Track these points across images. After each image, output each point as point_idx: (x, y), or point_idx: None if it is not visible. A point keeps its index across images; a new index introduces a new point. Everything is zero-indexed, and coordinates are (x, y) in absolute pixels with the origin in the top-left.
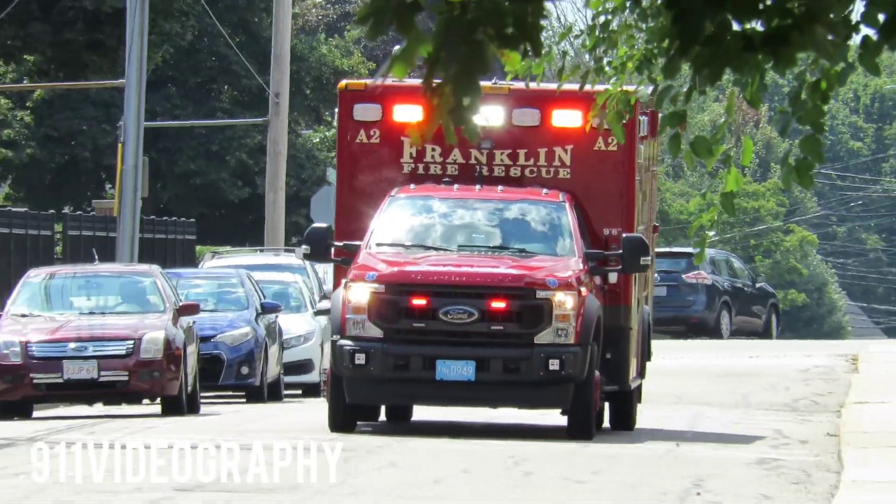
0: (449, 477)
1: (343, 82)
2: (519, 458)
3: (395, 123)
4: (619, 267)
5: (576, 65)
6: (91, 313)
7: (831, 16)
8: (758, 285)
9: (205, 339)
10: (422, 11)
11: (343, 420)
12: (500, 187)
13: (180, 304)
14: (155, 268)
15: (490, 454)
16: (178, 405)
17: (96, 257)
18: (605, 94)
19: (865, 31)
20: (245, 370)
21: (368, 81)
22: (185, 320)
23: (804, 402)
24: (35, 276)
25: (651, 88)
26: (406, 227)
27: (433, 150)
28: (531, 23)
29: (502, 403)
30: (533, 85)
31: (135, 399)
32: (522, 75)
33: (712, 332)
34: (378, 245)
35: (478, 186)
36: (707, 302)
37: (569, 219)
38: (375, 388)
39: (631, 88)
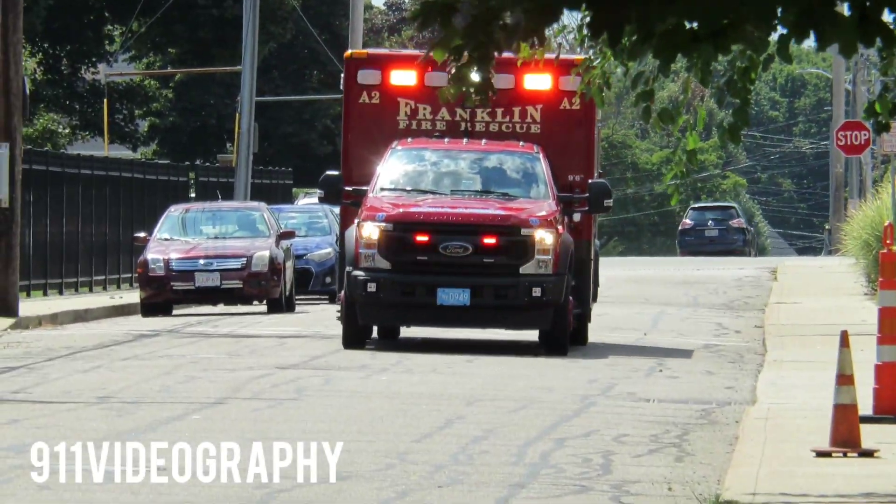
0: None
1: (349, 51)
2: (508, 363)
3: (392, 86)
4: (585, 208)
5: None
6: (215, 238)
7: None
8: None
9: (298, 257)
10: (457, 12)
11: (354, 338)
12: (483, 141)
13: (281, 230)
14: (262, 204)
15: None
16: (279, 305)
17: (219, 197)
18: (590, 74)
19: (781, 29)
20: (328, 280)
21: (370, 50)
22: (284, 243)
23: (738, 303)
24: (175, 211)
25: (624, 70)
26: (406, 175)
27: (424, 108)
28: (538, 22)
29: (493, 325)
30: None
31: (247, 301)
32: (529, 60)
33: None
34: (382, 190)
35: (465, 140)
36: (743, 239)
37: (543, 167)
38: (384, 311)
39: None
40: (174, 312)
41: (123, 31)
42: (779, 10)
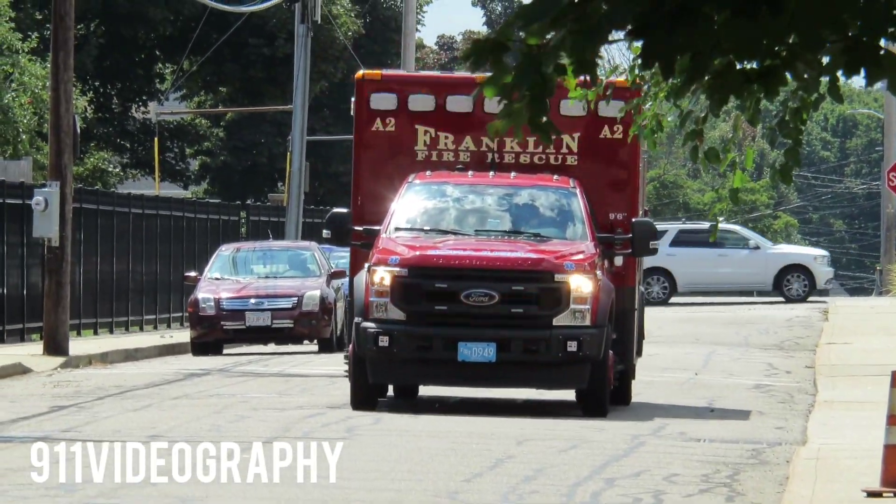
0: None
1: (360, 72)
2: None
3: (410, 112)
4: (629, 251)
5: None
6: (266, 277)
7: (808, 57)
8: None
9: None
10: (508, 51)
11: (364, 399)
12: (512, 173)
13: (332, 270)
14: (313, 244)
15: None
16: (330, 345)
17: (270, 236)
18: (642, 115)
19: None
20: None
21: (384, 71)
22: (336, 282)
23: (788, 343)
24: (226, 250)
25: (678, 113)
26: (424, 212)
27: (446, 137)
28: (589, 61)
29: (522, 384)
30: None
31: (298, 340)
32: (581, 100)
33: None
34: (397, 230)
35: (491, 173)
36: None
37: (580, 204)
38: (398, 368)
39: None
40: (225, 352)
41: (174, 70)
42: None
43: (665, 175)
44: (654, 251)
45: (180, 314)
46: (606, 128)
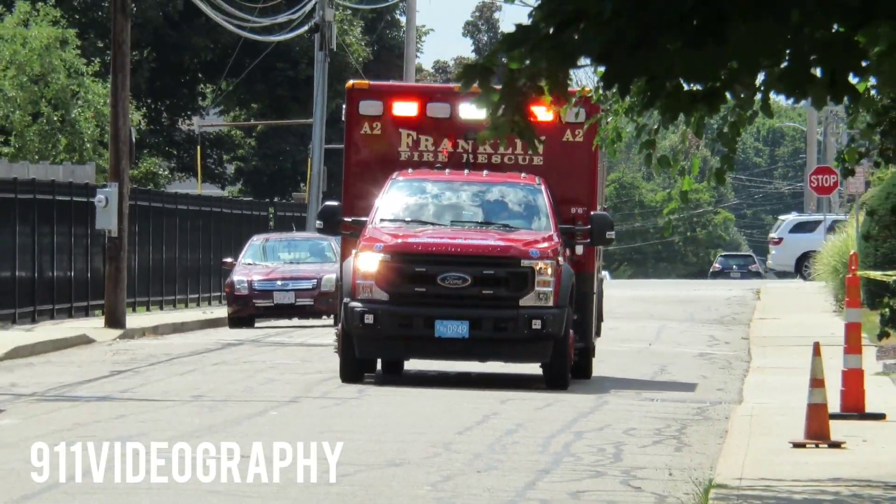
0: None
1: (350, 82)
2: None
3: (394, 117)
4: (588, 240)
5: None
6: (290, 263)
7: (746, 80)
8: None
9: None
10: (494, 75)
11: (352, 372)
12: (484, 172)
13: None
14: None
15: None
16: None
17: (294, 228)
18: (604, 129)
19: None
20: None
21: (372, 82)
22: None
23: (727, 318)
24: (256, 240)
25: (634, 126)
26: (406, 206)
27: (427, 139)
28: (562, 82)
29: (492, 357)
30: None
31: (317, 316)
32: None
33: None
34: (382, 221)
35: (466, 171)
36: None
37: (544, 199)
38: (382, 344)
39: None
40: (256, 325)
41: (214, 89)
42: (762, 74)
43: (623, 177)
44: (611, 241)
45: (219, 294)
46: (569, 132)
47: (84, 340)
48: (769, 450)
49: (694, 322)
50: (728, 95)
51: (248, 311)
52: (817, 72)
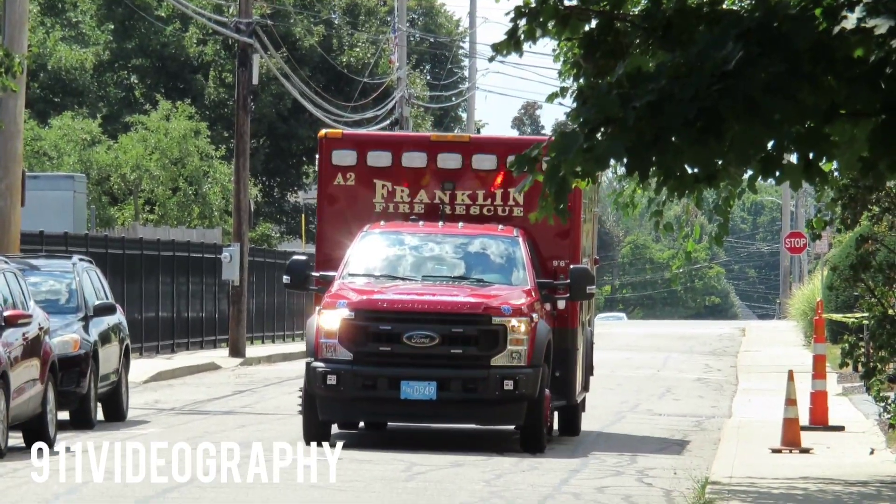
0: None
1: (323, 131)
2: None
3: (369, 167)
4: (567, 295)
5: None
6: None
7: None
8: None
9: None
10: (540, 162)
11: (315, 434)
12: (460, 224)
13: None
14: None
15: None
16: None
17: None
18: (620, 195)
19: (749, 172)
20: None
21: (346, 131)
22: None
23: (719, 350)
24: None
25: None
26: (376, 259)
27: (402, 191)
28: (595, 175)
29: (462, 420)
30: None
31: None
32: (511, 140)
33: None
34: (350, 275)
35: (441, 223)
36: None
37: (522, 252)
38: (345, 406)
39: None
40: None
41: (315, 170)
42: (752, 155)
43: (637, 239)
44: (591, 295)
45: None
46: None
47: (212, 367)
48: (753, 454)
49: (692, 353)
50: (724, 179)
51: None
52: (793, 158)
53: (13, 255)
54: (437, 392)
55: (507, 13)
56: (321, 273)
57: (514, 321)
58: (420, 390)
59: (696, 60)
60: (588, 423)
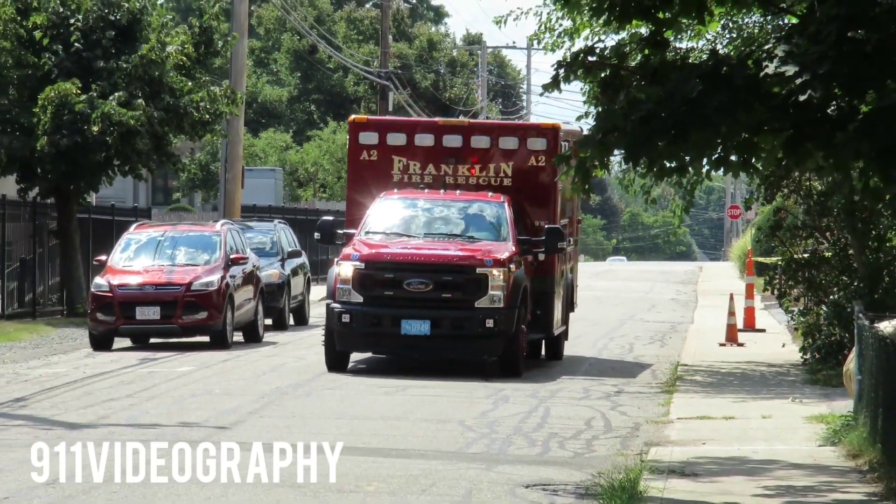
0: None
1: (352, 116)
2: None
3: (388, 146)
4: (542, 249)
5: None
6: None
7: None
8: None
9: None
10: (571, 158)
11: (335, 363)
12: (458, 191)
13: None
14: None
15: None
16: None
17: None
18: (625, 180)
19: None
20: None
21: (370, 117)
22: None
23: (685, 280)
24: None
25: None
26: (388, 220)
27: (414, 164)
28: (605, 163)
29: (451, 353)
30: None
31: None
32: (502, 124)
33: None
34: (367, 233)
35: (442, 191)
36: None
37: (506, 214)
38: (356, 339)
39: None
40: None
41: None
42: (707, 155)
43: (633, 210)
44: (562, 250)
45: None
46: (533, 158)
47: None
48: (707, 347)
49: (668, 283)
50: (690, 170)
51: None
52: (734, 157)
53: (236, 220)
54: (430, 329)
55: (552, 65)
56: (345, 231)
57: (494, 271)
58: (417, 327)
59: (671, 92)
60: (600, 328)
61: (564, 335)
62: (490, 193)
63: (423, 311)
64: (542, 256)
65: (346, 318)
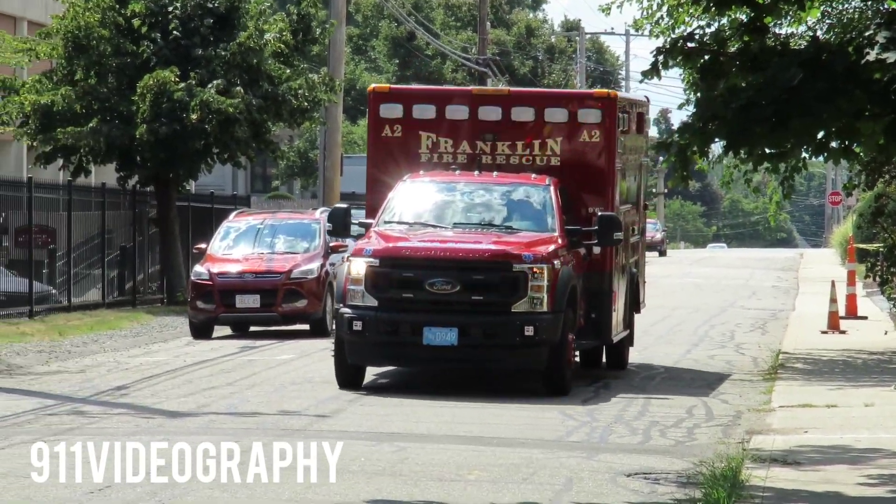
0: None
1: (372, 86)
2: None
3: (414, 120)
4: (594, 241)
5: None
6: None
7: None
8: None
9: None
10: (671, 146)
11: (347, 378)
12: (495, 173)
13: None
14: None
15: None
16: None
17: None
18: (726, 167)
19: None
20: None
21: (393, 86)
22: None
23: (786, 267)
24: None
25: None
26: (411, 208)
27: (446, 142)
28: (705, 152)
29: (483, 364)
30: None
31: None
32: (549, 93)
33: None
34: (385, 223)
35: (476, 172)
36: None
37: (552, 199)
38: (370, 351)
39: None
40: None
41: None
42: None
43: (733, 196)
44: (618, 241)
45: None
46: (585, 132)
47: None
48: (809, 334)
49: (769, 269)
50: (790, 157)
51: None
52: (834, 144)
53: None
54: (458, 338)
55: (651, 52)
56: (360, 221)
57: (535, 268)
58: (442, 336)
59: (771, 79)
60: (700, 315)
61: (629, 341)
62: (533, 175)
63: (449, 316)
64: (596, 249)
65: (357, 325)
